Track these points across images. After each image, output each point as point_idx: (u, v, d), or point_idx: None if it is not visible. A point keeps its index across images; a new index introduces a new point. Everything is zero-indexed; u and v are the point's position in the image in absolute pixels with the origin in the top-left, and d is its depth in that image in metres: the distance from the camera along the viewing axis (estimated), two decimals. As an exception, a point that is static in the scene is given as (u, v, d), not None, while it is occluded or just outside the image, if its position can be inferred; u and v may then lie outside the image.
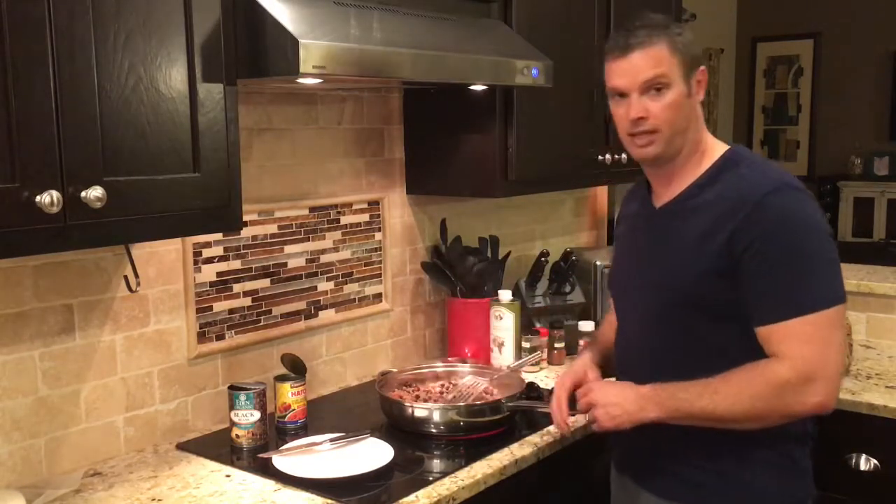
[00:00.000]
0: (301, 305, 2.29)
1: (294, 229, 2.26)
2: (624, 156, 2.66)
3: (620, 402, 1.63)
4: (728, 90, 7.40)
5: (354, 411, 2.20)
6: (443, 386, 2.21)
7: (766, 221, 1.51)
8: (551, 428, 2.02)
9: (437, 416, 1.98)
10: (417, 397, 2.13)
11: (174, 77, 1.53)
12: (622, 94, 1.62)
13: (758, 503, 1.62)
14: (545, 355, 2.57)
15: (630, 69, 1.59)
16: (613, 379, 1.78)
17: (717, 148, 1.67)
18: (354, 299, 2.43)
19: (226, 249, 2.10)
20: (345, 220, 2.38)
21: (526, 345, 2.53)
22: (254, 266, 2.17)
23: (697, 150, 1.65)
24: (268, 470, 1.79)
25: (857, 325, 2.75)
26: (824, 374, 1.50)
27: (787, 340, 1.50)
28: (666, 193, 1.69)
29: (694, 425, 1.57)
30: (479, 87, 2.23)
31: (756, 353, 1.54)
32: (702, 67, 1.64)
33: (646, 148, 1.63)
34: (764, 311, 1.53)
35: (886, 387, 2.32)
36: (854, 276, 2.81)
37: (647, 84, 1.58)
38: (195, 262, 2.03)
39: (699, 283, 1.58)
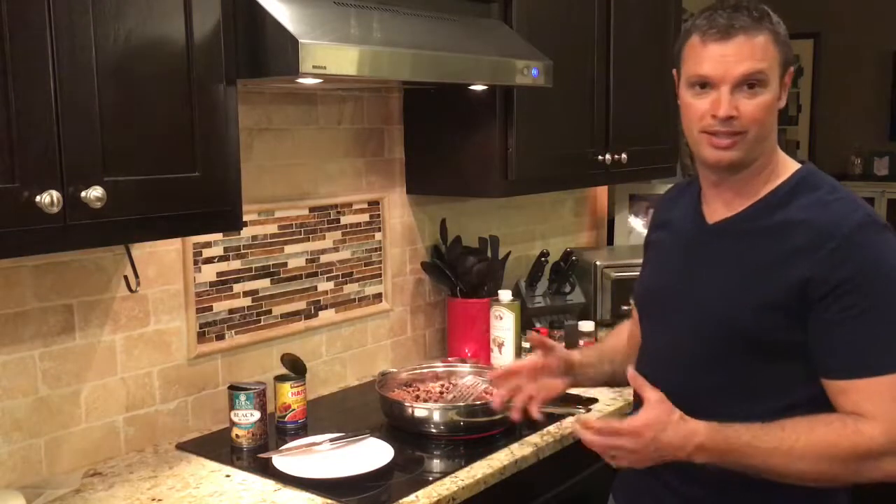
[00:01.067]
0: (301, 305, 2.29)
1: (294, 229, 2.26)
2: (624, 156, 2.66)
3: (664, 453, 1.36)
4: (728, 90, 7.39)
5: (354, 411, 2.20)
6: (443, 386, 2.20)
7: (858, 262, 1.31)
8: (551, 428, 2.02)
9: (437, 416, 1.98)
10: (417, 397, 2.13)
11: (174, 77, 1.53)
12: (707, 85, 1.39)
13: None
14: (545, 355, 2.57)
15: (728, 57, 1.36)
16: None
17: (788, 164, 1.47)
18: (354, 299, 2.43)
19: (226, 249, 2.10)
20: (345, 220, 2.38)
21: (526, 345, 2.53)
22: (254, 266, 2.17)
23: (770, 163, 1.45)
24: (268, 470, 1.79)
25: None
26: None
27: (875, 400, 1.30)
28: (724, 208, 1.47)
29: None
30: (479, 87, 2.23)
31: (815, 401, 1.36)
32: (791, 69, 1.42)
33: (727, 151, 1.40)
34: (845, 364, 1.33)
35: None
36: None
37: (745, 78, 1.36)
38: (195, 262, 2.03)
39: (757, 317, 1.37)
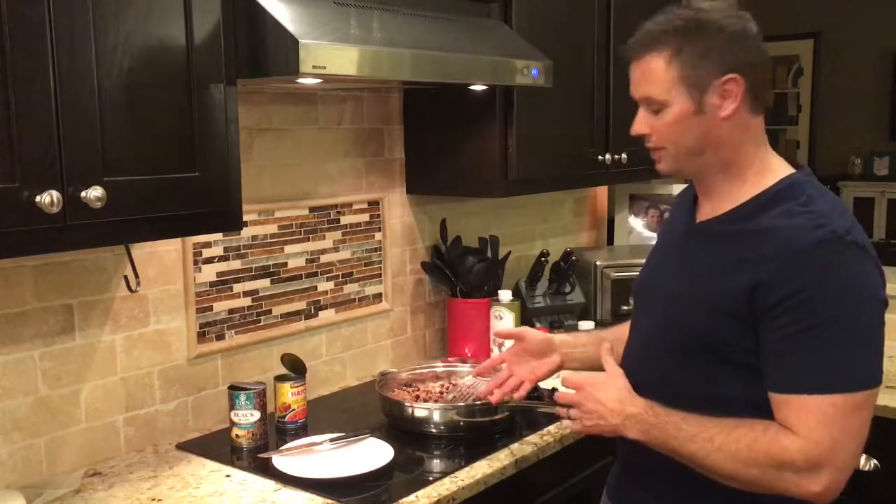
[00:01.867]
0: (301, 305, 2.29)
1: (294, 229, 2.26)
2: (624, 156, 2.66)
3: (601, 411, 1.47)
4: (728, 90, 7.39)
5: (354, 411, 2.20)
6: (443, 386, 2.21)
7: (808, 277, 1.29)
8: (551, 428, 2.02)
9: (437, 416, 1.98)
10: (417, 397, 2.13)
11: (174, 77, 1.53)
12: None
13: None
14: (545, 355, 2.57)
15: (634, 78, 1.43)
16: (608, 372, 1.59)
17: (777, 171, 1.43)
18: (354, 299, 2.43)
19: (226, 249, 2.10)
20: (345, 220, 2.38)
21: (526, 345, 2.53)
22: (254, 266, 2.17)
23: (743, 169, 1.42)
24: (268, 470, 1.79)
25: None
26: (833, 463, 1.30)
27: (802, 416, 1.30)
28: (710, 209, 1.49)
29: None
30: (478, 87, 2.23)
31: (763, 405, 1.36)
32: (729, 77, 1.36)
33: (658, 164, 1.47)
34: (783, 377, 1.33)
35: (887, 387, 2.32)
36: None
37: (641, 101, 1.43)
38: (195, 262, 2.03)
39: (710, 320, 1.39)
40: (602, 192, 3.42)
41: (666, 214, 1.78)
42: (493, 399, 1.82)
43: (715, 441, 1.35)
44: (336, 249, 2.37)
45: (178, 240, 1.98)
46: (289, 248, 2.25)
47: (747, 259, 1.35)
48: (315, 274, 2.32)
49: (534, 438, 1.97)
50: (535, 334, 1.83)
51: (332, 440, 1.89)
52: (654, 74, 1.39)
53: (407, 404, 2.02)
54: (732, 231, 1.41)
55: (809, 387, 1.30)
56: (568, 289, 2.83)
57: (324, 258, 2.34)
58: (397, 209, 2.53)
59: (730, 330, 1.37)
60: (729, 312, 1.36)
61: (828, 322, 1.29)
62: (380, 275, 2.49)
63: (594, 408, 1.49)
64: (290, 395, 2.04)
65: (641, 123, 1.44)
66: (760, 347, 1.35)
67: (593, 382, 1.51)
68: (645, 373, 1.51)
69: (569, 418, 1.56)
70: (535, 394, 2.20)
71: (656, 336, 1.53)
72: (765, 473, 1.33)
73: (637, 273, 1.73)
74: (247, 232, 2.13)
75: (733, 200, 1.44)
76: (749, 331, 1.35)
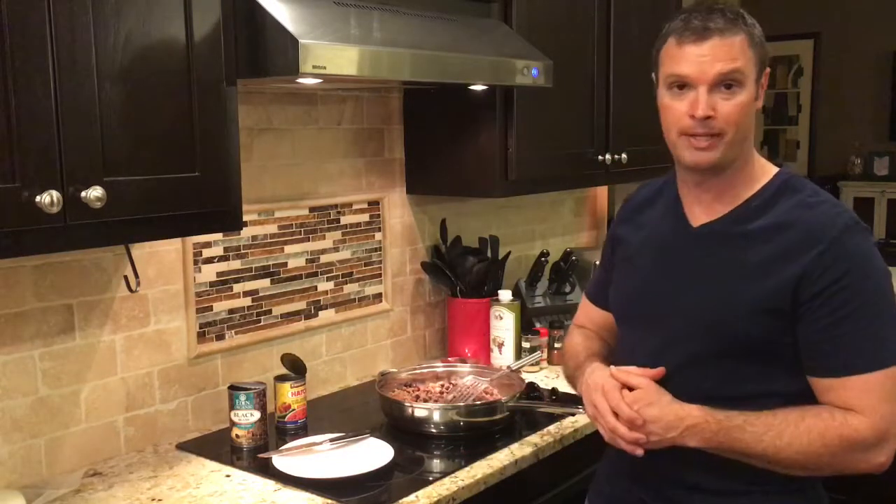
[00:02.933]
0: (301, 305, 2.29)
1: (294, 229, 2.26)
2: (624, 156, 2.66)
3: (654, 429, 1.40)
4: (728, 90, 7.39)
5: (354, 411, 2.20)
6: (443, 386, 2.21)
7: (847, 264, 1.34)
8: (551, 428, 2.02)
9: (437, 416, 1.98)
10: (417, 397, 2.13)
11: (174, 77, 1.53)
12: (685, 86, 1.40)
13: None
14: (545, 355, 2.57)
15: (704, 57, 1.37)
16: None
17: (767, 167, 1.48)
18: (354, 299, 2.43)
19: (226, 249, 2.10)
20: (345, 220, 2.38)
21: (526, 345, 2.53)
22: (254, 266, 2.17)
23: (748, 165, 1.46)
24: (268, 470, 1.79)
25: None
26: (895, 434, 1.36)
27: (865, 395, 1.34)
28: (707, 211, 1.48)
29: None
30: (478, 87, 2.23)
31: (798, 397, 1.39)
32: (767, 69, 1.44)
33: (706, 152, 1.40)
34: (837, 361, 1.35)
35: (886, 387, 2.31)
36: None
37: (722, 78, 1.37)
38: (195, 262, 2.03)
39: (750, 321, 1.39)
40: (602, 192, 3.43)
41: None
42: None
43: (784, 437, 1.34)
44: (336, 249, 2.37)
45: (178, 240, 1.98)
46: (289, 248, 2.25)
47: (782, 255, 1.37)
48: (315, 274, 2.32)
49: (534, 438, 1.97)
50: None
51: (332, 440, 1.89)
52: (742, 52, 1.38)
53: (407, 404, 2.02)
54: (750, 230, 1.42)
55: (866, 366, 1.34)
56: (568, 289, 2.83)
57: (324, 258, 2.34)
58: (397, 209, 2.53)
59: (772, 327, 1.38)
60: (772, 309, 1.37)
61: (868, 303, 1.35)
62: (380, 275, 2.49)
63: (647, 434, 1.40)
64: (290, 395, 2.04)
65: (707, 105, 1.38)
66: (800, 338, 1.37)
67: (637, 399, 1.42)
68: (669, 384, 1.45)
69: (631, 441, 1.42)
70: (535, 394, 2.21)
71: (675, 348, 1.47)
72: (836, 456, 1.35)
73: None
74: (247, 232, 2.13)
75: (734, 198, 1.45)
76: (790, 324, 1.37)
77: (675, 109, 1.42)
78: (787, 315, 1.37)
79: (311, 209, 2.29)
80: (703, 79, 1.37)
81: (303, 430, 2.04)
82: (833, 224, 1.36)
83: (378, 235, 2.48)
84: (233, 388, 1.96)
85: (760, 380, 1.41)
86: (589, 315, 1.77)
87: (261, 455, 1.87)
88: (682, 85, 1.40)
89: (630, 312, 1.61)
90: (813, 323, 1.36)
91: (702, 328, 1.44)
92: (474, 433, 1.98)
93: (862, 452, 1.35)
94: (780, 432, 1.35)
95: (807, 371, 1.39)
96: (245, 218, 1.84)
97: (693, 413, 1.39)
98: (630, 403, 1.42)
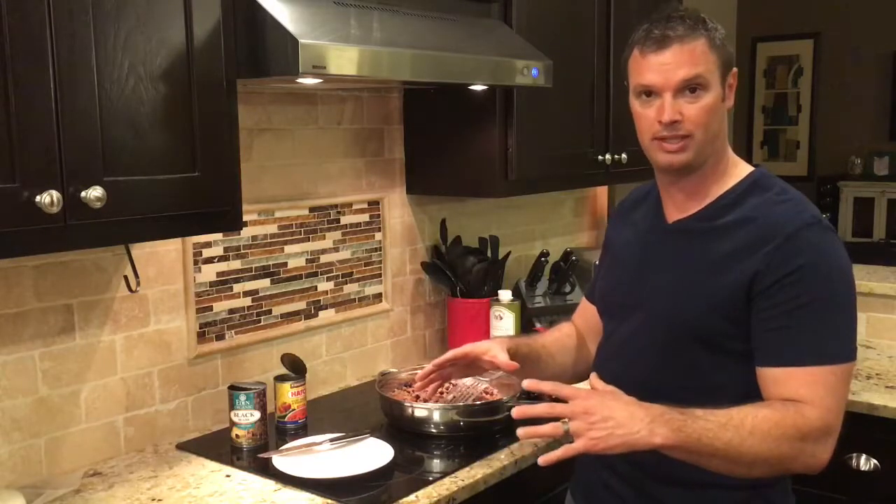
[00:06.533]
0: (301, 305, 2.29)
1: (294, 229, 2.26)
2: (624, 156, 2.66)
3: (619, 418, 1.32)
4: (728, 90, 7.40)
5: (354, 411, 2.20)
6: (443, 386, 2.20)
7: (802, 258, 1.38)
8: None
9: (437, 416, 1.98)
10: (417, 397, 2.12)
11: (174, 77, 1.53)
12: (651, 94, 1.46)
13: None
14: (545, 355, 2.57)
15: (666, 65, 1.42)
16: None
17: (740, 166, 1.53)
18: (354, 299, 2.43)
19: (226, 249, 2.10)
20: (345, 220, 2.38)
21: (526, 345, 2.53)
22: (254, 266, 2.17)
23: (721, 164, 1.51)
24: (268, 470, 1.79)
25: (858, 325, 2.74)
26: (837, 430, 1.38)
27: (812, 387, 1.37)
28: (681, 208, 1.54)
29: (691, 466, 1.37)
30: (478, 87, 2.23)
31: (751, 394, 1.41)
32: (734, 69, 1.49)
33: (677, 154, 1.46)
34: (785, 351, 1.39)
35: (886, 387, 2.32)
36: (854, 276, 2.81)
37: (685, 83, 1.42)
38: (195, 262, 2.03)
39: (709, 313, 1.44)
40: (602, 192, 3.43)
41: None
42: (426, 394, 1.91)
43: (746, 424, 1.34)
44: (336, 249, 2.37)
45: (178, 240, 1.98)
46: (289, 248, 2.25)
47: (741, 250, 1.43)
48: (315, 274, 2.32)
49: (534, 438, 1.97)
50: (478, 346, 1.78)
51: (332, 440, 1.89)
52: (703, 56, 1.43)
53: (407, 404, 2.02)
54: (716, 226, 1.48)
55: (817, 359, 1.37)
56: (568, 289, 2.83)
57: (324, 258, 2.34)
58: (397, 209, 2.53)
59: (728, 320, 1.43)
60: (728, 303, 1.42)
61: (822, 298, 1.39)
62: (380, 275, 2.49)
63: (608, 414, 1.33)
64: (290, 395, 2.04)
65: (673, 110, 1.43)
66: (752, 328, 1.41)
67: (595, 394, 1.40)
68: (627, 374, 1.48)
69: (566, 433, 1.41)
70: (535, 394, 2.21)
71: (641, 336, 1.54)
72: (792, 447, 1.36)
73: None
74: (247, 232, 2.13)
75: (706, 196, 1.51)
76: (745, 318, 1.42)
77: (646, 116, 1.48)
78: (743, 308, 1.41)
79: (311, 209, 2.29)
80: (668, 86, 1.43)
81: (303, 430, 2.04)
82: (792, 221, 1.41)
83: (378, 235, 2.48)
84: (233, 388, 1.96)
85: (719, 372, 1.46)
86: (583, 311, 1.86)
87: (261, 455, 1.87)
88: (649, 93, 1.46)
89: (607, 304, 1.69)
90: (763, 312, 1.40)
91: (664, 319, 1.50)
92: (474, 433, 1.98)
93: (812, 444, 1.36)
94: (741, 422, 1.34)
95: (757, 362, 1.42)
96: (245, 218, 1.84)
97: (655, 408, 1.34)
98: (586, 392, 1.41)
